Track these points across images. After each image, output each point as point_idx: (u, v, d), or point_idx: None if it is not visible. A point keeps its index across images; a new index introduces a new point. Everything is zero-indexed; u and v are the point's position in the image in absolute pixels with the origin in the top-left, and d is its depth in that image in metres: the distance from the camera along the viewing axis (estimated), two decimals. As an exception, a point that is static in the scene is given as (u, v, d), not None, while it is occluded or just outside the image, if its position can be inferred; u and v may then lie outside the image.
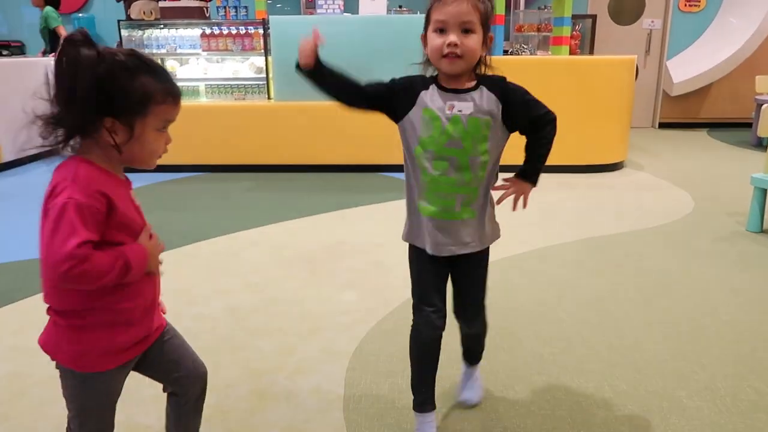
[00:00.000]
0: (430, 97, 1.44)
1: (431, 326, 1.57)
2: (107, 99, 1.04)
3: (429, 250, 1.52)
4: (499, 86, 1.44)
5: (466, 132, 1.40)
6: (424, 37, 1.47)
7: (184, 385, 1.38)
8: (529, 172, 1.56)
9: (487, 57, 1.45)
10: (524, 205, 1.56)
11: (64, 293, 1.13)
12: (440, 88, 1.45)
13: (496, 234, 1.59)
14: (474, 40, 1.37)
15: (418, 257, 1.58)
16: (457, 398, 1.82)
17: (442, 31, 1.38)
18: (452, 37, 1.35)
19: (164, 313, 1.35)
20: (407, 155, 1.51)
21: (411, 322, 1.63)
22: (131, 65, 1.07)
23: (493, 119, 1.41)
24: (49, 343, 1.17)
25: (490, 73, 1.47)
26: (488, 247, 1.57)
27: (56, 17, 6.19)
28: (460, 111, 1.40)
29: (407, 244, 1.62)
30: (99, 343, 1.14)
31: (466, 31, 1.36)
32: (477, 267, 1.59)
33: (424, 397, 1.64)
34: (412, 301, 1.61)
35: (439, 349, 1.61)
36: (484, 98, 1.41)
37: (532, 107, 1.47)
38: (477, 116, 1.40)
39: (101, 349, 1.14)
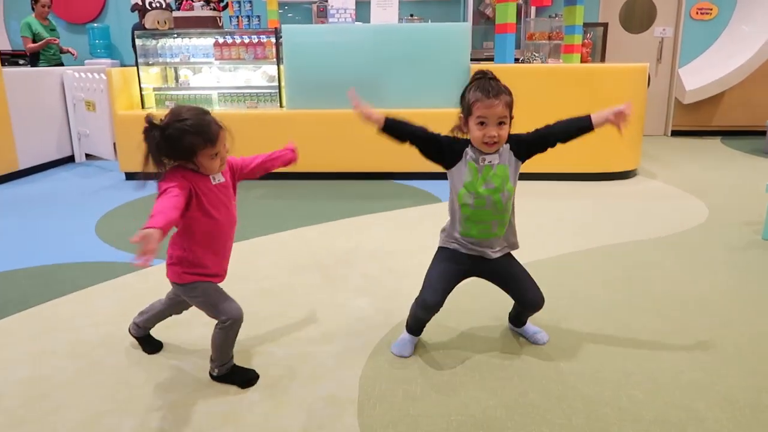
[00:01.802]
0: (470, 154, 1.96)
1: (428, 310, 2.06)
2: (172, 153, 1.83)
3: (462, 251, 2.05)
4: (512, 140, 1.97)
5: (496, 175, 1.94)
6: (463, 118, 1.97)
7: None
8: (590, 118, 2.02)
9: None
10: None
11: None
12: (474, 149, 1.97)
13: (515, 245, 2.11)
14: (506, 130, 1.90)
15: (441, 259, 2.10)
16: (531, 341, 2.21)
17: (482, 123, 1.88)
18: (493, 132, 1.88)
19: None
20: (452, 194, 2.02)
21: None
22: (177, 133, 1.77)
23: (512, 163, 1.97)
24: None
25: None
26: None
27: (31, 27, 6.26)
28: (491, 162, 1.94)
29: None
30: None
31: (501, 123, 1.88)
32: (513, 266, 2.11)
33: (413, 329, 2.17)
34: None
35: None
36: (505, 151, 1.96)
37: (531, 134, 1.99)
38: (502, 164, 1.95)
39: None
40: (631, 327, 2.33)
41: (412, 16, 7.32)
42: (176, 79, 5.61)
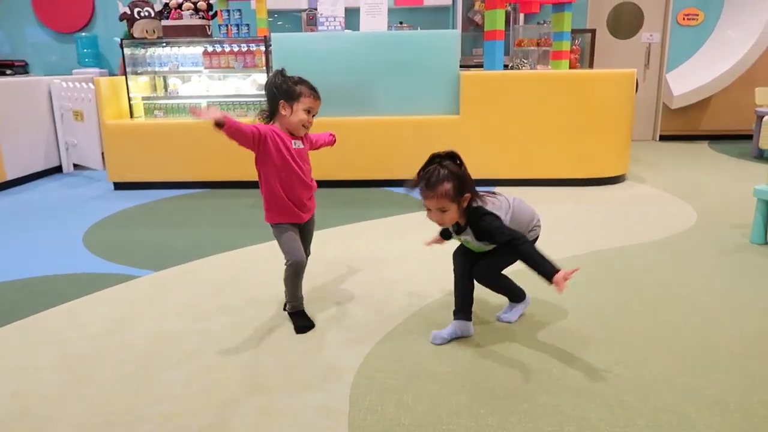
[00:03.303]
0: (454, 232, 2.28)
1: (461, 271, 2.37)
2: (284, 93, 2.29)
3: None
4: (474, 223, 2.14)
5: (473, 244, 2.23)
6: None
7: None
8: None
9: (471, 203, 2.11)
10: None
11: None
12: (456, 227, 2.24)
13: None
14: (449, 215, 2.09)
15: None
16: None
17: (429, 210, 2.12)
18: (435, 217, 2.12)
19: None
20: None
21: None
22: (296, 80, 2.31)
23: (481, 238, 2.17)
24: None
25: (477, 204, 2.14)
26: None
27: None
28: (465, 238, 2.23)
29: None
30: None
31: (443, 210, 2.08)
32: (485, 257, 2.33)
33: (456, 308, 2.35)
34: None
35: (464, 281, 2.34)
36: (471, 232, 2.17)
37: (494, 236, 2.11)
38: (471, 241, 2.21)
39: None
40: (622, 331, 2.34)
41: (401, 23, 7.35)
42: (165, 88, 5.59)
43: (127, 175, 5.13)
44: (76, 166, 6.16)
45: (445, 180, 2.03)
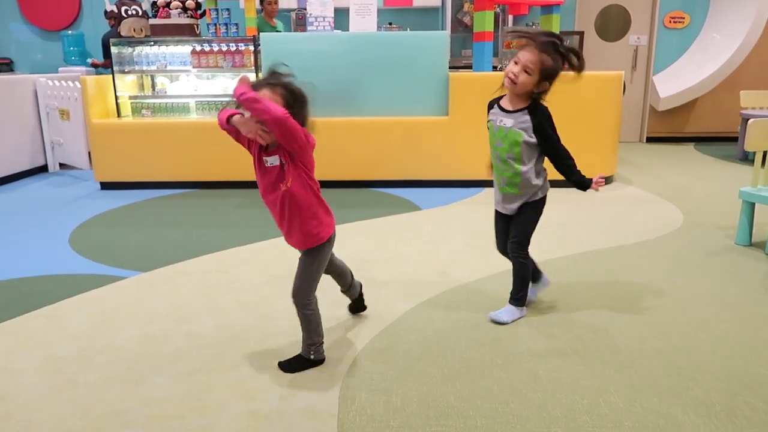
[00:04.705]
0: (494, 112, 2.32)
1: (499, 250, 2.55)
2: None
3: (498, 209, 2.46)
4: (537, 113, 2.21)
5: (505, 137, 2.24)
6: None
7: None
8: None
9: (542, 95, 2.23)
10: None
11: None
12: (499, 107, 2.30)
13: (535, 199, 2.38)
14: (528, 79, 2.14)
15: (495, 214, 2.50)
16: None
17: (516, 63, 2.15)
18: (514, 70, 2.15)
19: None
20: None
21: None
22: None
23: (525, 132, 2.22)
24: None
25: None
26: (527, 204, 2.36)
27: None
28: (504, 124, 2.24)
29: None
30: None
31: (527, 71, 2.13)
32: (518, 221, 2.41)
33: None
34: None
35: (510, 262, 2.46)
36: (523, 118, 2.21)
37: (550, 134, 2.25)
38: (513, 130, 2.23)
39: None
40: (609, 332, 2.35)
41: (390, 24, 7.35)
42: (153, 87, 5.55)
43: (114, 175, 5.08)
44: (62, 165, 6.09)
45: (553, 53, 2.11)
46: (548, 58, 2.11)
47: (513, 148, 2.24)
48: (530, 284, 2.52)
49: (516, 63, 2.15)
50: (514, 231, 2.40)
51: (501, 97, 2.32)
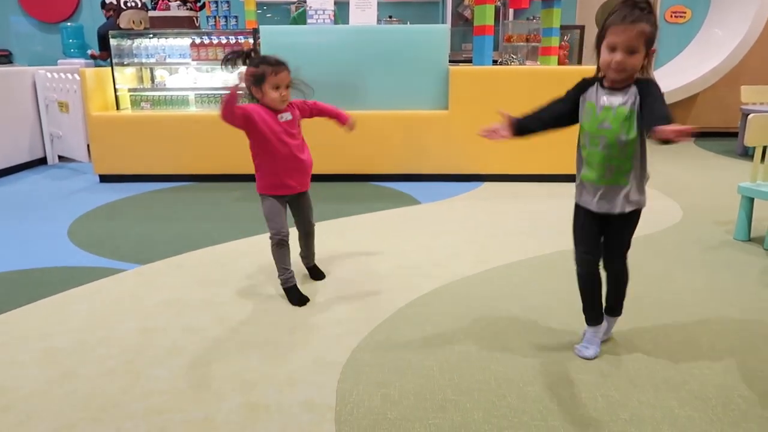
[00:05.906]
0: (593, 92, 1.96)
1: (584, 264, 2.13)
2: (253, 79, 2.45)
3: (591, 208, 2.06)
4: (643, 85, 1.88)
5: (614, 118, 1.90)
6: (598, 48, 1.91)
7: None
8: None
9: (648, 65, 1.89)
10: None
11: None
12: (601, 86, 1.95)
13: (642, 202, 2.06)
14: (636, 58, 1.83)
15: (578, 213, 2.16)
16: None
17: (613, 49, 1.83)
18: (618, 58, 1.82)
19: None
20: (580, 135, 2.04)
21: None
22: (257, 62, 2.45)
23: (635, 109, 1.88)
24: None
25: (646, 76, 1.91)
26: (636, 211, 2.05)
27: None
28: (612, 104, 1.91)
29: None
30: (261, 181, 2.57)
31: (632, 52, 1.81)
32: (624, 226, 2.08)
33: (589, 316, 2.19)
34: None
35: (596, 282, 2.14)
36: (631, 94, 1.88)
37: (655, 102, 1.85)
38: (623, 107, 1.89)
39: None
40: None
41: (390, 17, 7.33)
42: (152, 79, 5.54)
43: (113, 168, 5.07)
44: (61, 158, 6.09)
45: (646, 19, 1.81)
46: (646, 26, 1.82)
47: (625, 126, 1.90)
48: (593, 332, 2.20)
49: (613, 49, 1.83)
50: (621, 238, 2.09)
51: (599, 78, 1.98)
